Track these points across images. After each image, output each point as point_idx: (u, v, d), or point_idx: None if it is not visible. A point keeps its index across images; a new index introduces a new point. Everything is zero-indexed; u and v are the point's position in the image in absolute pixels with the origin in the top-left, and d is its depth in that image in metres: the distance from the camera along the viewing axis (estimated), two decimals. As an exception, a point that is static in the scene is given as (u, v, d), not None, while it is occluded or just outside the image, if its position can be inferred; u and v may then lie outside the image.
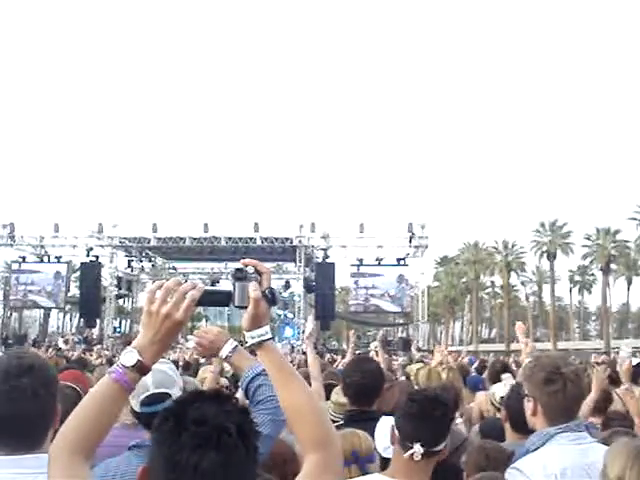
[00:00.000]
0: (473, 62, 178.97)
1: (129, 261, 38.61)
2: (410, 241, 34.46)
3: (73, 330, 63.73)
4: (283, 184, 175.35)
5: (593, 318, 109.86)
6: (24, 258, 36.95)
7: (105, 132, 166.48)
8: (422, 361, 11.20)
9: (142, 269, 40.45)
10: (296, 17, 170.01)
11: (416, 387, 7.09)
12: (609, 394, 5.20)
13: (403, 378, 8.28)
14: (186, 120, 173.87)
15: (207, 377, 5.95)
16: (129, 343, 1.92)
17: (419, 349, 31.21)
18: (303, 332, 35.12)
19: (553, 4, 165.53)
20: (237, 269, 1.96)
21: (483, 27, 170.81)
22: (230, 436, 1.38)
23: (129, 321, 52.28)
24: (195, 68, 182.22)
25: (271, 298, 1.97)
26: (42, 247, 36.67)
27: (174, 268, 40.73)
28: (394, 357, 20.57)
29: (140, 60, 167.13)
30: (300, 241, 34.91)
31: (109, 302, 37.62)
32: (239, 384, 2.83)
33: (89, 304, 36.53)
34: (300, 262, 35.21)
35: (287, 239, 34.93)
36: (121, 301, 43.04)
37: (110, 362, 11.24)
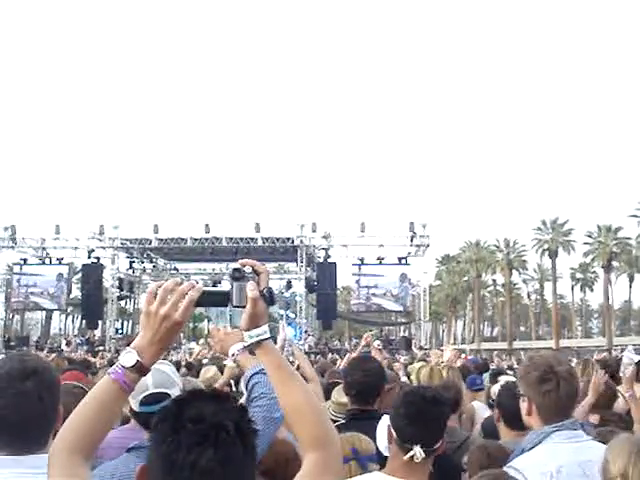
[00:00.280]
0: (473, 61, 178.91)
1: (131, 262, 38.55)
2: (411, 240, 34.42)
3: (75, 332, 63.81)
4: (284, 184, 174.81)
5: (595, 316, 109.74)
6: (25, 260, 36.92)
7: (106, 134, 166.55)
8: (424, 360, 11.23)
9: (144, 270, 40.46)
10: (297, 18, 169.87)
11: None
12: (614, 392, 5.17)
13: (405, 378, 8.30)
14: (187, 121, 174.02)
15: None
16: None
17: (421, 348, 31.34)
18: (305, 332, 35.29)
19: (553, 4, 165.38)
20: (235, 269, 1.96)
21: (483, 26, 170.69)
22: (228, 434, 1.38)
23: (131, 322, 52.36)
24: (196, 69, 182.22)
25: (269, 298, 1.97)
26: (43, 249, 36.63)
27: (176, 269, 40.72)
28: (396, 356, 20.63)
29: (141, 62, 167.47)
30: (301, 241, 34.85)
31: (111, 303, 37.59)
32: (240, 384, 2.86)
33: (91, 306, 36.51)
34: (301, 262, 35.16)
35: (288, 239, 34.89)
36: (123, 302, 43.09)
37: (111, 363, 11.25)
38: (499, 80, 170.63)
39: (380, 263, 35.11)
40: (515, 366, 15.91)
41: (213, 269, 40.86)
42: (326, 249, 34.85)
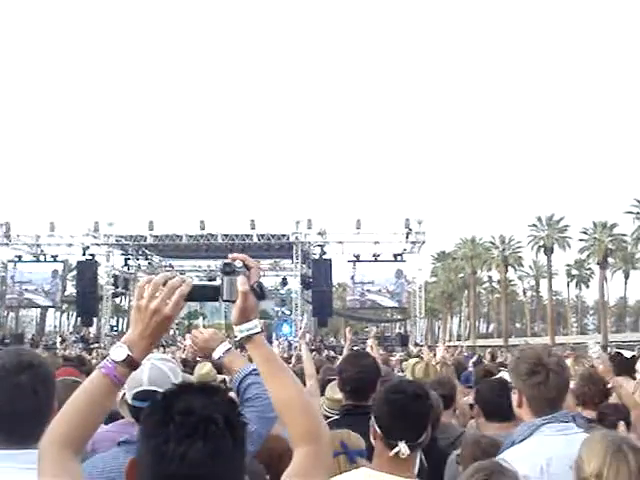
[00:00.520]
0: (469, 58, 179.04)
1: (126, 259, 38.48)
2: (407, 237, 34.47)
3: (70, 329, 63.73)
4: (279, 181, 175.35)
5: (591, 312, 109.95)
6: (20, 257, 36.88)
7: (100, 130, 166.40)
8: (419, 356, 11.23)
9: (139, 267, 40.38)
10: (289, 14, 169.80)
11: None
12: (606, 388, 5.19)
13: (400, 374, 8.31)
14: (182, 118, 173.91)
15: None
16: None
17: (417, 344, 31.35)
18: (300, 329, 35.26)
19: (548, 2, 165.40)
20: (225, 263, 1.96)
21: (479, 21, 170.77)
22: (217, 427, 1.38)
23: (126, 319, 52.24)
24: (190, 66, 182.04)
25: (260, 292, 1.96)
26: (38, 246, 36.56)
27: (171, 266, 40.68)
28: (392, 353, 20.63)
29: (136, 59, 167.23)
30: (297, 238, 34.86)
31: (106, 301, 37.59)
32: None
33: (86, 303, 36.45)
34: (297, 259, 35.16)
35: (284, 236, 34.89)
36: (118, 299, 43.04)
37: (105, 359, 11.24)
38: (495, 77, 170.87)
39: (375, 260, 35.09)
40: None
41: (208, 266, 40.80)
42: (321, 246, 34.83)
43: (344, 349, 9.27)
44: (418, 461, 3.49)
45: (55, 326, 78.45)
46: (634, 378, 6.49)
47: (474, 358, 12.68)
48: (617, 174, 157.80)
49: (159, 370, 2.85)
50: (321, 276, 34.15)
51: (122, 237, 36.20)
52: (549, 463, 2.72)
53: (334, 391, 4.78)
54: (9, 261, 37.10)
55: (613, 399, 5.11)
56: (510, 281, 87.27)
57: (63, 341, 32.22)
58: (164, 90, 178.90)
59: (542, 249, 73.21)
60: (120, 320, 47.67)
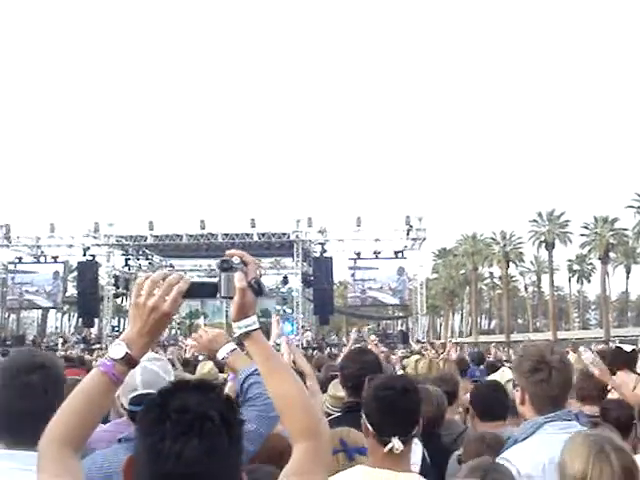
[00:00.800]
0: (468, 54, 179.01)
1: (126, 260, 38.46)
2: (407, 234, 34.41)
3: (71, 330, 63.72)
4: (279, 179, 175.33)
5: (592, 307, 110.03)
6: (20, 259, 36.85)
7: (100, 131, 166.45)
8: (420, 353, 11.24)
9: (139, 267, 40.34)
10: (288, 13, 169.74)
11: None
12: (604, 384, 5.17)
13: (401, 371, 8.31)
14: (181, 117, 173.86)
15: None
16: None
17: (418, 341, 31.34)
18: (302, 327, 35.28)
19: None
20: (222, 260, 1.96)
21: (477, 20, 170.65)
22: (213, 424, 1.37)
23: (127, 320, 52.22)
24: (190, 65, 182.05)
25: (257, 288, 1.96)
26: (38, 247, 36.55)
27: (171, 265, 40.63)
28: (394, 350, 20.65)
29: (136, 59, 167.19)
30: (297, 236, 34.85)
31: (107, 301, 37.58)
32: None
33: (87, 304, 36.48)
34: (298, 257, 35.15)
35: (284, 234, 34.85)
36: (119, 300, 43.03)
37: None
38: (494, 73, 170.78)
39: (376, 257, 35.07)
40: (513, 358, 15.93)
41: (209, 265, 40.76)
42: (322, 244, 34.82)
43: (346, 347, 9.29)
44: (420, 455, 3.48)
45: (56, 327, 78.56)
46: (635, 372, 6.47)
47: (470, 354, 12.65)
48: (618, 168, 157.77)
49: (151, 372, 2.86)
50: (322, 274, 34.14)
51: (122, 237, 36.19)
52: (552, 462, 2.71)
53: (337, 389, 4.77)
54: (9, 263, 37.10)
55: (613, 394, 5.09)
56: (511, 277, 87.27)
57: (65, 342, 32.25)
58: (164, 90, 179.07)
59: (543, 244, 73.16)
60: (121, 320, 47.54)
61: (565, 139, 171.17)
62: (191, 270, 40.91)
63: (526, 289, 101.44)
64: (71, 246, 36.30)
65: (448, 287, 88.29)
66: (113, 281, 37.58)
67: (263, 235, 34.48)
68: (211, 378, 6.72)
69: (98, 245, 36.45)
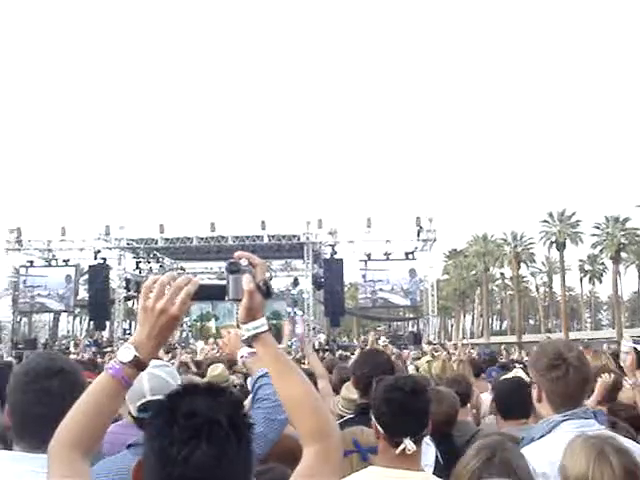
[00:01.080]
0: (477, 55, 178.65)
1: (137, 262, 38.51)
2: (418, 235, 34.34)
3: (83, 333, 63.94)
4: (289, 181, 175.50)
5: (604, 307, 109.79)
6: (32, 262, 36.93)
7: (110, 135, 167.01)
8: (432, 354, 11.21)
9: (150, 270, 40.36)
10: (297, 14, 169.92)
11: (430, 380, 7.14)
12: (619, 382, 5.14)
13: (413, 371, 8.30)
14: (191, 120, 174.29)
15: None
16: None
17: (430, 343, 31.26)
18: (313, 329, 35.26)
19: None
20: (231, 262, 1.96)
21: (483, 21, 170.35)
22: (222, 428, 1.36)
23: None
24: (199, 69, 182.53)
25: (265, 290, 1.96)
26: (50, 251, 36.65)
27: (182, 268, 40.68)
28: (405, 352, 20.59)
29: (145, 63, 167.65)
30: (307, 238, 34.82)
31: (118, 304, 37.66)
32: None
33: (98, 307, 36.59)
34: (308, 259, 35.13)
35: (294, 236, 34.84)
36: (130, 303, 43.08)
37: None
38: (504, 73, 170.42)
39: (387, 259, 35.01)
40: (525, 359, 15.87)
41: (220, 267, 40.76)
42: (332, 245, 34.80)
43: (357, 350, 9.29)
44: (433, 457, 3.47)
45: (68, 330, 78.75)
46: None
47: (482, 355, 12.61)
48: (629, 168, 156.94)
49: (158, 378, 2.86)
50: (333, 276, 34.15)
51: (133, 240, 36.27)
52: None
53: (350, 391, 4.77)
54: (21, 266, 37.22)
55: (624, 395, 5.06)
56: (523, 277, 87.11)
57: (76, 345, 32.32)
58: (174, 94, 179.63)
59: (554, 245, 73.00)
60: (133, 323, 47.63)
61: (576, 139, 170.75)
62: (202, 273, 40.88)
63: (537, 290, 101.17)
64: (82, 249, 36.33)
65: (459, 288, 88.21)
66: (124, 284, 37.65)
67: (273, 237, 34.47)
68: (222, 380, 6.74)
69: (109, 248, 36.56)
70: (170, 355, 13.37)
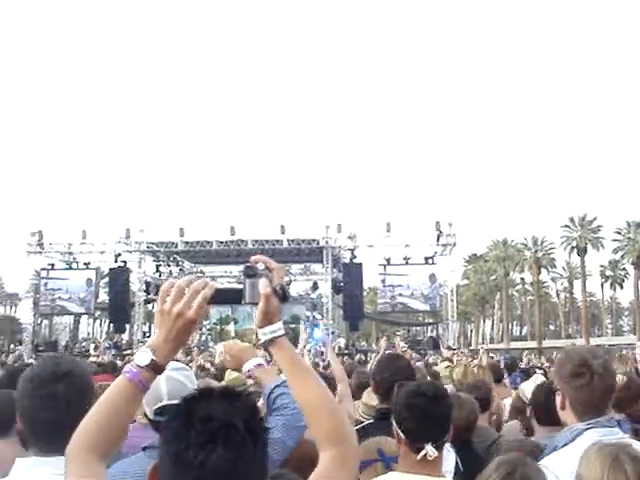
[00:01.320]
0: (496, 58, 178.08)
1: (157, 266, 38.77)
2: (438, 239, 34.26)
3: (103, 336, 64.28)
4: (309, 185, 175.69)
5: (626, 313, 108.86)
6: (53, 265, 37.28)
7: (131, 139, 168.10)
8: (450, 360, 11.14)
9: (170, 273, 40.54)
10: (313, 19, 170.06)
11: (451, 385, 7.11)
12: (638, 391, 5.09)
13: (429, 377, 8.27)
14: (212, 124, 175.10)
15: None
16: None
17: (449, 348, 31.13)
18: (332, 333, 35.23)
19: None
20: (247, 266, 1.95)
21: (507, 21, 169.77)
22: (238, 432, 1.36)
23: (158, 326, 52.41)
24: (222, 74, 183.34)
25: (282, 295, 1.95)
26: (70, 254, 36.93)
27: (202, 272, 40.84)
28: (425, 357, 20.50)
29: (165, 68, 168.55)
30: (327, 242, 34.83)
31: (138, 307, 37.92)
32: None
33: (118, 310, 36.83)
34: (327, 263, 35.12)
35: (314, 240, 34.89)
36: (150, 306, 43.29)
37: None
38: (524, 77, 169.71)
39: (406, 263, 34.98)
40: (545, 365, 15.78)
41: (239, 271, 40.80)
42: (352, 250, 34.81)
43: (378, 355, 9.24)
44: (453, 463, 3.44)
45: (88, 333, 79.36)
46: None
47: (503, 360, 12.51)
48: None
49: (176, 381, 2.86)
50: (352, 280, 34.15)
51: (153, 244, 36.47)
52: None
53: (371, 397, 4.76)
54: (42, 269, 37.54)
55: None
56: (543, 283, 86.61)
57: (96, 348, 32.48)
58: (195, 98, 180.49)
59: (575, 250, 72.61)
60: (152, 326, 47.84)
61: (597, 143, 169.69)
62: (221, 276, 41.04)
63: (558, 295, 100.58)
64: (103, 252, 36.57)
65: (479, 293, 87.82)
66: (144, 287, 37.86)
67: (293, 241, 34.52)
68: (239, 384, 6.71)
69: (129, 252, 36.79)
70: (189, 358, 13.40)
